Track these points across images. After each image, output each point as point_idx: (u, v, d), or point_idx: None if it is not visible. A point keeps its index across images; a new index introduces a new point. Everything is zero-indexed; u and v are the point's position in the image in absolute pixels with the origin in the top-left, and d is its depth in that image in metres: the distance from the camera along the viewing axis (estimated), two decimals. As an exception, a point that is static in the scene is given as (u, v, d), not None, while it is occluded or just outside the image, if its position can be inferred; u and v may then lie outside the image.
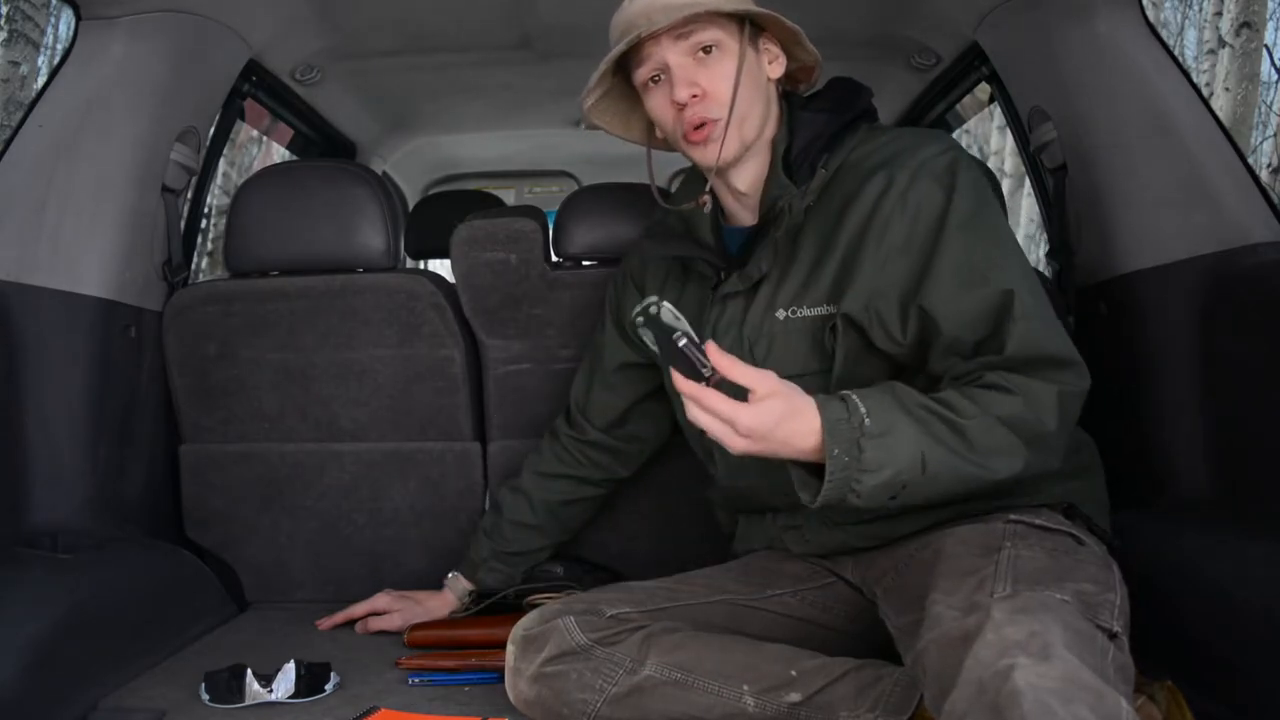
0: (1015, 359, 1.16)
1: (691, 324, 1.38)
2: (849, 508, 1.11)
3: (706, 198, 1.33)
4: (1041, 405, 1.15)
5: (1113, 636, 1.02)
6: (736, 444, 1.06)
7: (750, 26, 1.27)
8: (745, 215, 1.36)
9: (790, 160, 1.30)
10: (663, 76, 1.27)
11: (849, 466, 1.07)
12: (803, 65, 1.35)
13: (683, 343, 1.06)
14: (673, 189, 1.46)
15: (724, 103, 1.25)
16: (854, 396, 1.10)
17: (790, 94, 1.36)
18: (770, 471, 1.34)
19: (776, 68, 1.32)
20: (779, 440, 1.07)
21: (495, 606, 1.61)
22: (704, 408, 1.05)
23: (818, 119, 1.31)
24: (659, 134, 1.36)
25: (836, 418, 1.07)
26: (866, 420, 1.08)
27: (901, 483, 1.09)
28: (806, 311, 1.28)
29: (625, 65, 1.31)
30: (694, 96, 1.25)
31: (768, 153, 1.32)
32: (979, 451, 1.12)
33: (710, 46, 1.25)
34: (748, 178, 1.32)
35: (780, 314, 1.29)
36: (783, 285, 1.30)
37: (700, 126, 1.26)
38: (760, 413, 1.05)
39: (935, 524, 1.26)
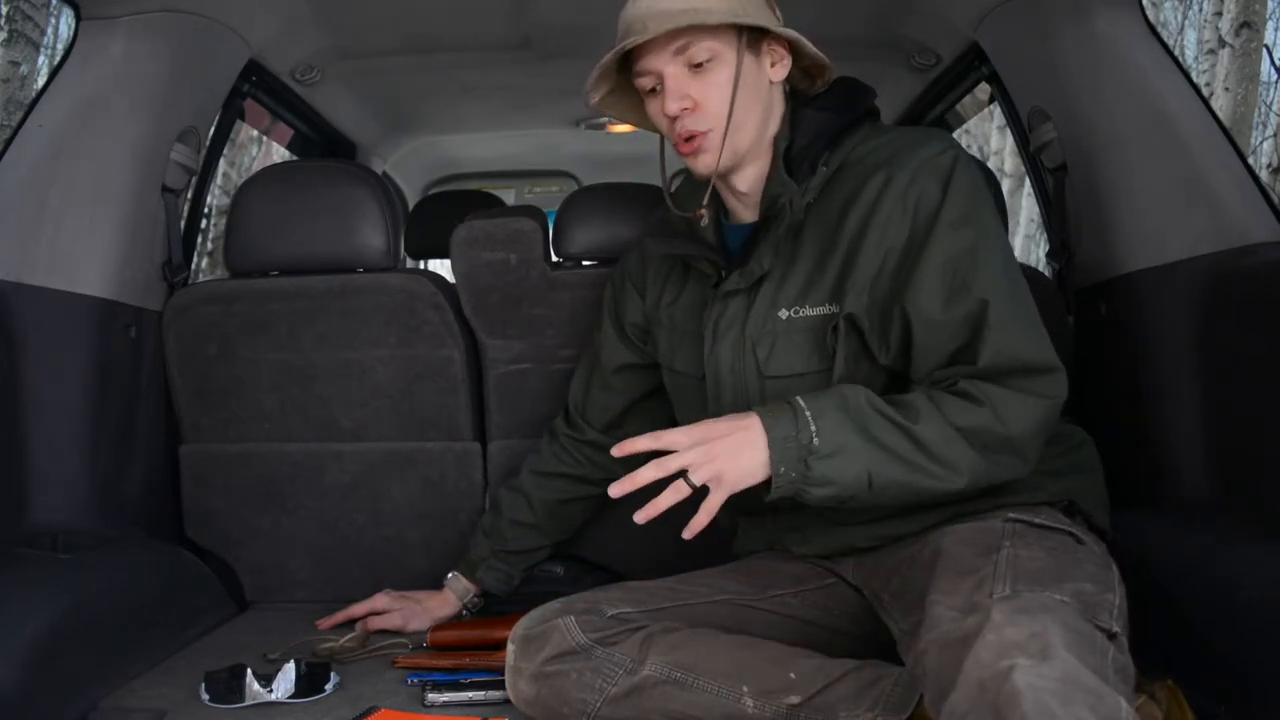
0: (989, 370, 1.18)
1: (692, 322, 1.39)
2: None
3: (704, 212, 1.35)
4: (1011, 415, 1.17)
5: (1112, 636, 1.02)
6: (689, 460, 1.13)
7: (749, 33, 1.27)
8: (746, 213, 1.36)
9: (791, 158, 1.30)
10: (659, 88, 1.28)
11: (795, 482, 1.13)
12: (814, 61, 1.34)
13: None
14: (674, 187, 1.46)
15: (716, 114, 1.25)
16: (806, 411, 1.14)
17: (797, 91, 1.35)
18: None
19: (780, 69, 1.31)
20: (729, 449, 1.13)
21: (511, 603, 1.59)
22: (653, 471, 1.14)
23: (820, 117, 1.31)
24: None
25: (784, 435, 1.13)
26: (815, 439, 1.12)
27: (848, 496, 1.15)
28: (809, 311, 1.28)
29: (633, 63, 1.31)
30: (685, 109, 1.26)
31: (769, 152, 1.32)
32: (935, 462, 1.15)
33: (704, 61, 1.25)
34: (748, 178, 1.33)
35: (783, 313, 1.29)
36: (785, 284, 1.30)
37: (690, 139, 1.27)
38: (696, 426, 1.17)
39: (936, 523, 1.26)
